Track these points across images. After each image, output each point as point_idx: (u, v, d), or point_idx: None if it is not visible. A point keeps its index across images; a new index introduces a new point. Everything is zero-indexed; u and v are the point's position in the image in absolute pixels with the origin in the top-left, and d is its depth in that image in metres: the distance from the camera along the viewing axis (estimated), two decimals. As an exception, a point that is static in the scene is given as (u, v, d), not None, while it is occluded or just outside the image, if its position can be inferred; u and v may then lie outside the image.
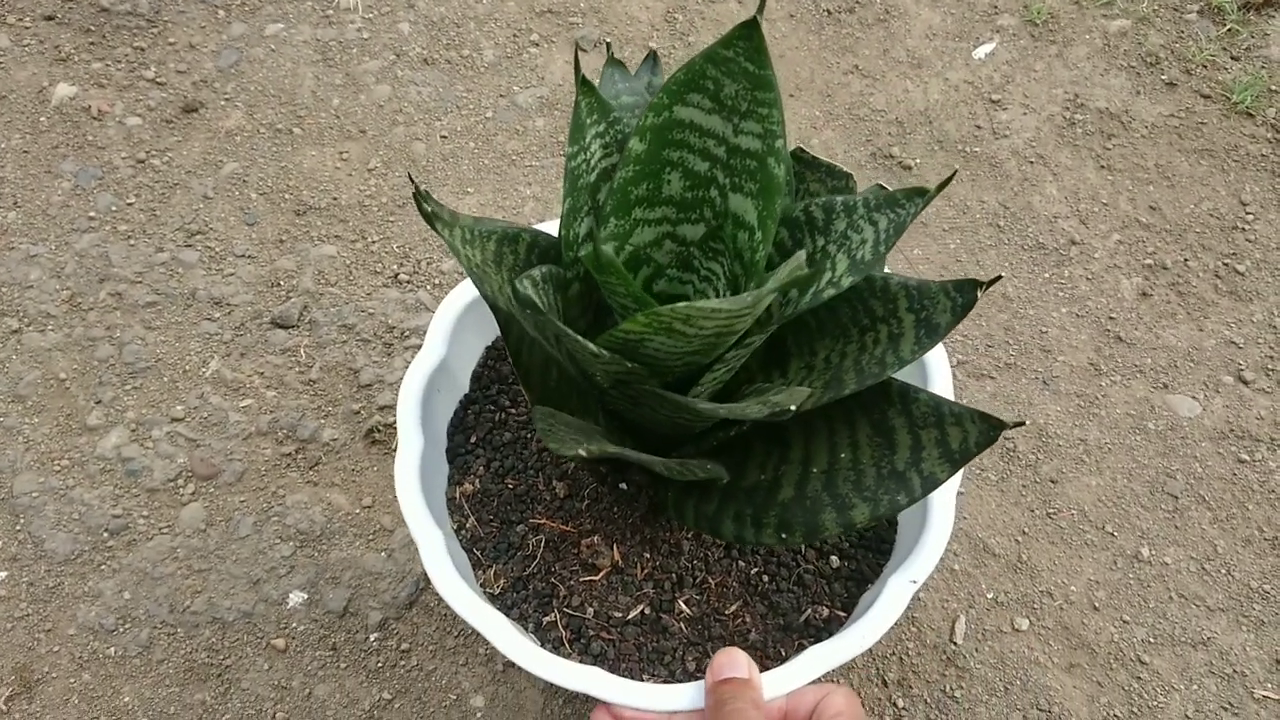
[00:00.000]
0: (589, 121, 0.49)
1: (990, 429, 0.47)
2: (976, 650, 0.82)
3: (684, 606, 0.63)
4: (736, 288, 0.52)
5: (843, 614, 0.63)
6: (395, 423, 0.91)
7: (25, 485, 0.88)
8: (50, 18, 1.16)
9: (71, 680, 0.80)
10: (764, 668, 0.58)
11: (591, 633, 0.61)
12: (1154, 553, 0.87)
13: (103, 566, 0.85)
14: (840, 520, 0.50)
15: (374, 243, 1.02)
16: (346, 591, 0.84)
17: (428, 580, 0.84)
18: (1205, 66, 1.15)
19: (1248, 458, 0.91)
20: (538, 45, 1.16)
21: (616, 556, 0.63)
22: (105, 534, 0.86)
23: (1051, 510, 0.89)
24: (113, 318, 0.96)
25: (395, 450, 0.90)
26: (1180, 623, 0.84)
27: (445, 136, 1.09)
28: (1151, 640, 0.83)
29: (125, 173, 1.05)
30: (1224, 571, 0.86)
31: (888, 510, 0.49)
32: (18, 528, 0.86)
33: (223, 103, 1.11)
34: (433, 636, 0.82)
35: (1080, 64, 1.16)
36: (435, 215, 0.46)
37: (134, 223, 1.02)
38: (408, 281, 0.99)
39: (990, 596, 0.84)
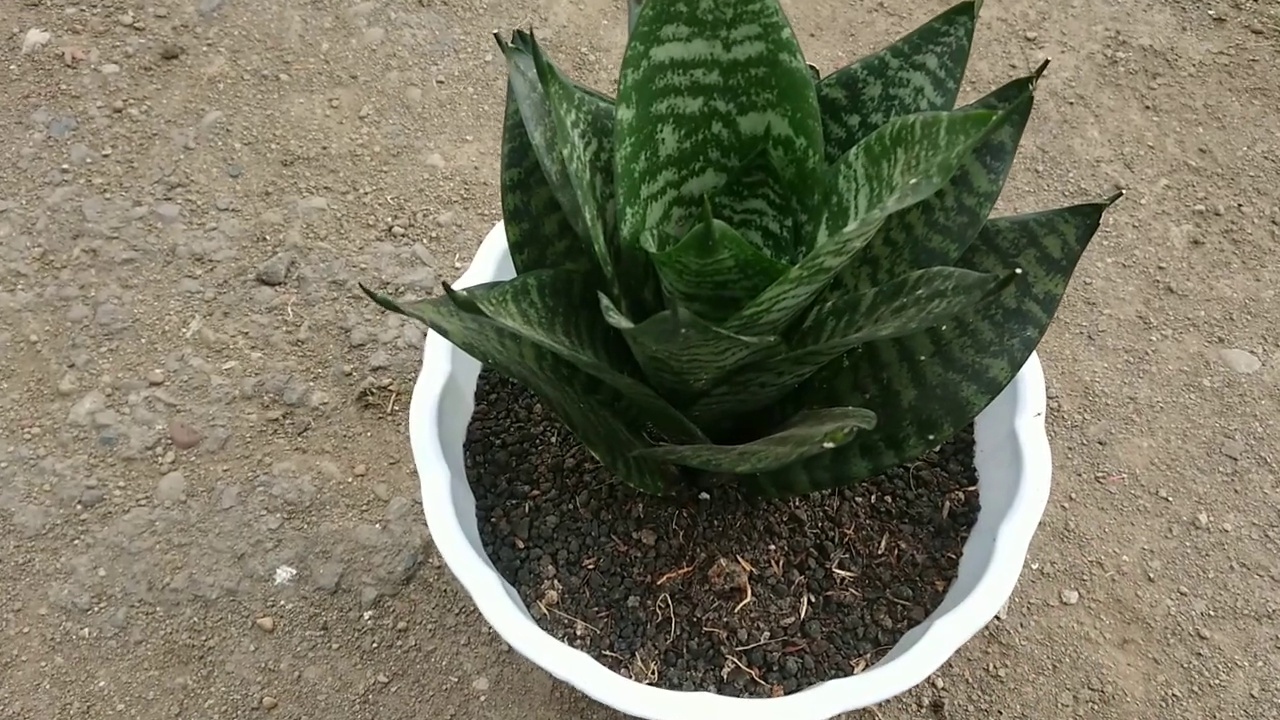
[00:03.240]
0: (563, 112, 0.42)
1: (1087, 217, 0.46)
2: (1022, 625, 0.76)
3: (842, 572, 0.57)
4: (791, 213, 0.45)
5: (973, 488, 0.61)
6: (390, 385, 0.85)
7: (-7, 454, 0.82)
8: (20, -40, 1.09)
9: (43, 664, 0.74)
10: (939, 589, 0.58)
11: (779, 658, 0.55)
12: (1212, 519, 0.80)
13: (76, 541, 0.78)
14: (984, 387, 0.49)
15: (366, 194, 0.95)
16: (338, 566, 0.78)
17: (425, 553, 0.78)
18: (1256, 0, 1.07)
19: (1312, 416, 0.84)
20: (540, -16, 1.09)
21: (747, 567, 0.57)
22: (79, 506, 0.80)
23: (1100, 474, 0.82)
24: (87, 276, 0.90)
25: (390, 419, 0.83)
26: (1242, 594, 0.77)
27: (442, 82, 1.02)
28: (1211, 613, 0.77)
29: (101, 123, 0.98)
30: (1289, 539, 0.79)
31: (1023, 351, 0.48)
32: (-16, 500, 0.80)
33: (205, 48, 1.04)
34: (432, 614, 0.76)
35: None
36: (466, 307, 0.39)
37: (110, 175, 0.95)
38: (402, 235, 0.92)
39: (1035, 567, 0.78)
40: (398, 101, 1.00)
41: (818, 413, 0.49)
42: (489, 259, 0.62)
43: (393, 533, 0.79)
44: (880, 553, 0.59)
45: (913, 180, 0.36)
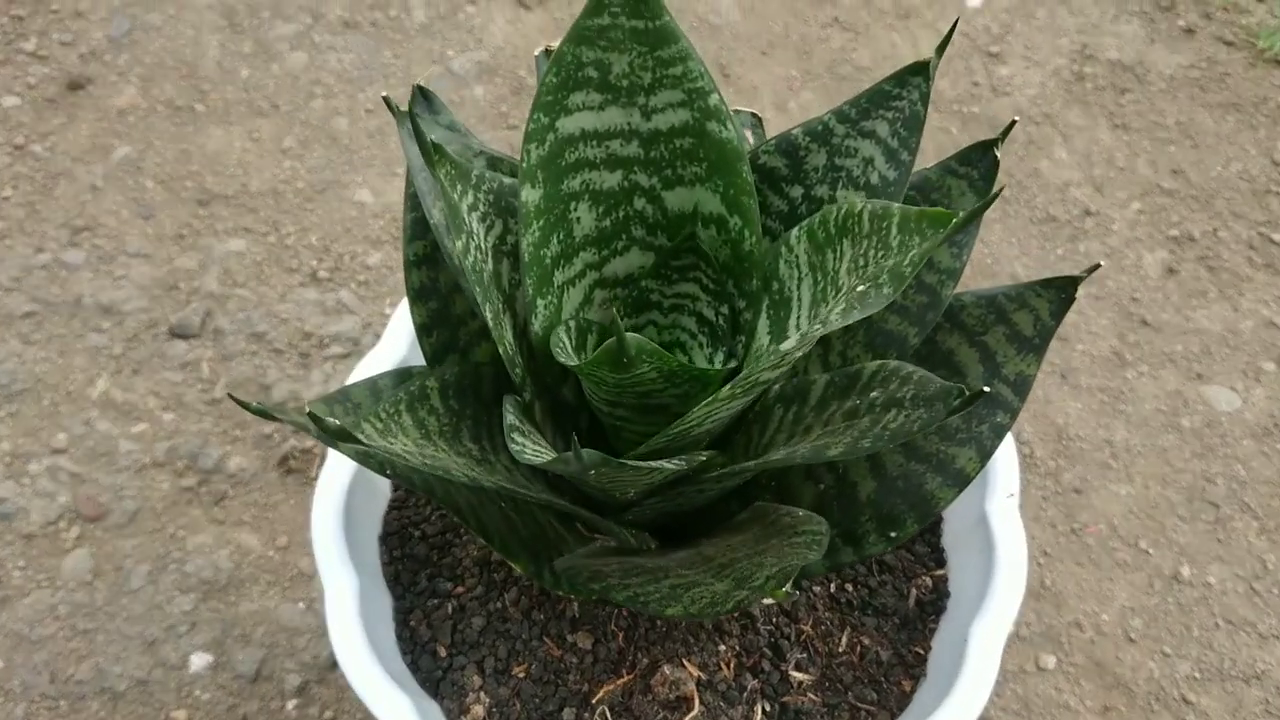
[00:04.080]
0: (458, 197, 0.36)
1: (1062, 291, 0.42)
2: (998, 695, 0.71)
3: (799, 675, 0.52)
4: (728, 299, 0.40)
5: (940, 572, 0.56)
6: (314, 448, 0.79)
7: (-124, 536, 0.75)
8: (-87, -16, 1.01)
9: (-70, 771, 0.67)
10: (905, 690, 0.52)
11: None
12: (1195, 572, 0.76)
13: (-32, 631, 0.72)
14: (951, 479, 0.44)
15: (289, 235, 0.88)
16: (259, 651, 0.71)
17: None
18: (1226, 10, 1.03)
19: (1296, 456, 0.80)
20: (474, 3, 1.02)
21: (695, 672, 0.51)
22: (-29, 591, 0.73)
23: (1076, 525, 0.77)
24: (-17, 332, 0.83)
25: (315, 486, 0.77)
26: (1229, 653, 0.72)
27: (370, 110, 0.95)
28: (1197, 676, 0.72)
29: (1, 161, 0.91)
30: (1276, 592, 0.74)
31: (993, 440, 0.44)
32: None
33: (114, 78, 0.96)
34: (360, 703, 0.69)
35: (1087, 10, 1.03)
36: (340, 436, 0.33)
37: (10, 219, 0.88)
38: (328, 279, 0.86)
39: (1011, 630, 0.73)
40: (323, 132, 0.94)
41: (766, 516, 0.43)
42: (402, 333, 0.56)
43: (318, 613, 0.72)
44: (841, 650, 0.53)
45: (860, 286, 0.31)
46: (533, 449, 0.34)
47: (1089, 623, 0.74)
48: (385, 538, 0.56)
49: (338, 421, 0.33)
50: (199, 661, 0.71)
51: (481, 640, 0.53)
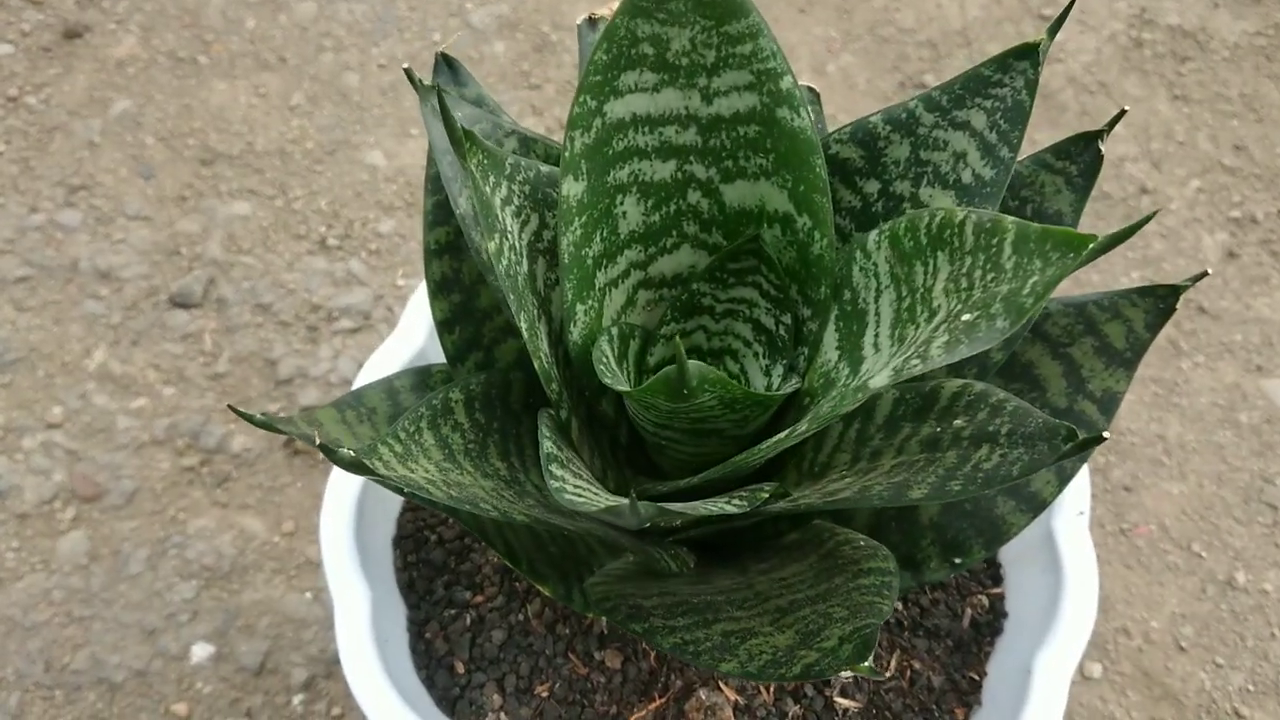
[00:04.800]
0: (491, 190, 0.32)
1: (1161, 300, 0.37)
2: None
3: (844, 701, 0.48)
4: (790, 306, 0.35)
5: (997, 590, 0.51)
6: (322, 428, 0.75)
7: None
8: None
9: (-81, 763, 0.64)
10: (966, 708, 0.48)
11: None
12: (1251, 578, 0.71)
13: (-42, 616, 0.68)
14: (1025, 505, 0.41)
15: (296, 199, 0.83)
16: (263, 643, 0.68)
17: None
18: (1295, -27, 0.96)
19: (1360, 456, 0.75)
20: (495, -48, 0.96)
21: (732, 696, 0.47)
22: (-38, 574, 0.69)
23: (1125, 525, 0.73)
24: (-26, 297, 0.79)
25: (323, 470, 0.73)
26: (1285, 666, 0.69)
27: (383, 65, 0.90)
28: (1251, 688, 0.68)
29: (-7, 114, 0.86)
30: (1337, 601, 0.71)
31: (1075, 462, 0.40)
32: None
33: (113, 26, 0.91)
34: (369, 701, 0.66)
35: (1146, -30, 0.97)
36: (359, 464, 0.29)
37: (3, 176, 0.84)
38: (337, 248, 0.81)
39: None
40: (333, 88, 0.89)
41: (822, 541, 0.39)
42: (419, 321, 0.51)
43: (325, 604, 0.69)
44: (889, 675, 0.50)
45: (966, 315, 0.26)
46: (574, 486, 0.29)
47: (1137, 629, 0.70)
48: (399, 541, 0.52)
49: (351, 452, 0.29)
50: (200, 652, 0.68)
51: (502, 656, 0.50)
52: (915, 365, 0.25)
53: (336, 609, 0.46)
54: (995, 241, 0.26)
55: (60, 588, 0.69)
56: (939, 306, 0.28)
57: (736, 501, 0.30)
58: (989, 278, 0.26)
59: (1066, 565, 0.47)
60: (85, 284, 0.79)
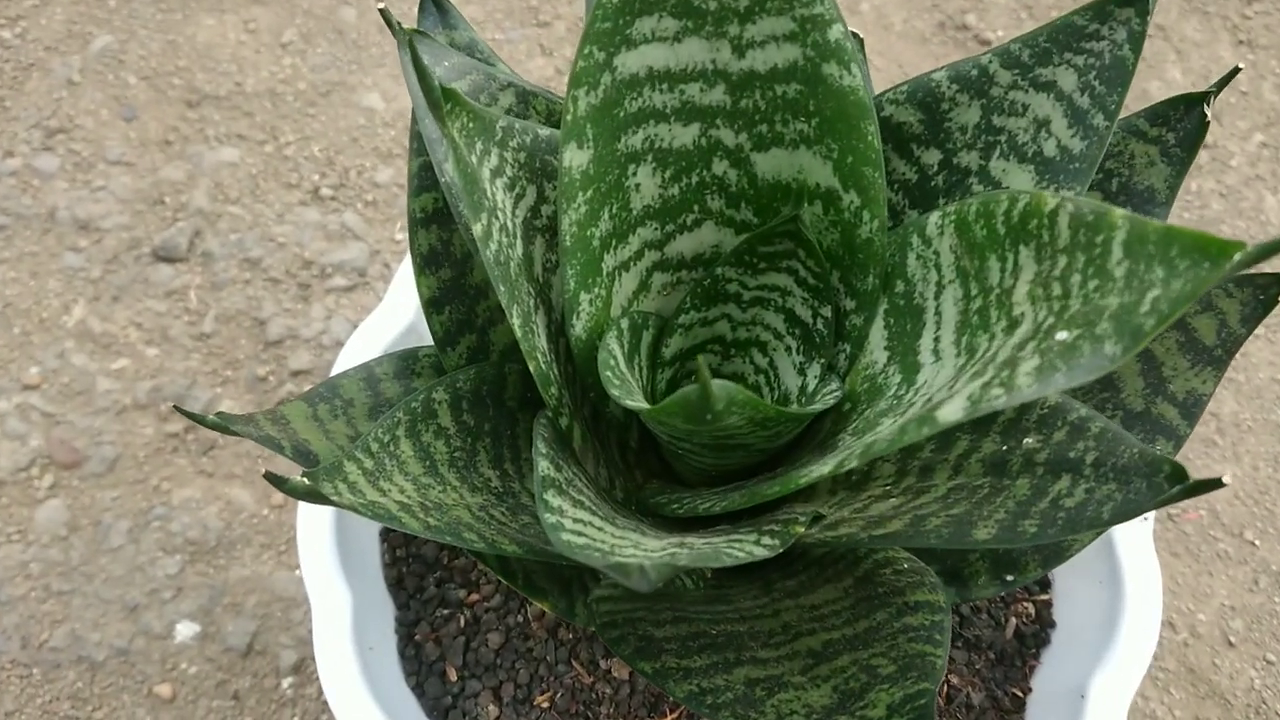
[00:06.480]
0: (478, 159, 0.26)
1: (1261, 290, 0.32)
2: (1076, 703, 0.63)
3: None
4: (830, 297, 0.30)
5: (1044, 597, 0.46)
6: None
7: None
8: None
9: (-110, 743, 0.61)
10: None
11: None
12: (1308, 569, 0.67)
13: (-71, 589, 0.65)
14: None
15: (288, 145, 0.78)
16: (251, 622, 0.64)
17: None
18: (1374, -95, 0.88)
19: None
20: (504, -125, 0.89)
21: None
22: (-66, 544, 0.66)
23: (1174, 510, 0.68)
24: (-55, 248, 0.74)
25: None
26: (1341, 664, 0.64)
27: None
28: (1304, 688, 0.64)
29: (-35, 49, 0.81)
30: (1400, 595, 0.66)
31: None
32: None
33: (93, -47, 0.85)
34: (362, 687, 0.62)
35: (1210, -99, 0.89)
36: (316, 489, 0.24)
37: (-24, 117, 0.78)
38: (331, 198, 0.76)
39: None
40: (328, 25, 0.82)
41: (858, 560, 0.34)
42: (408, 293, 0.46)
43: (316, 582, 0.65)
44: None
45: (1062, 332, 0.21)
46: (574, 522, 0.25)
47: (1183, 623, 0.65)
48: (387, 533, 0.48)
49: (304, 480, 0.24)
50: (185, 631, 0.64)
51: (499, 662, 0.45)
52: (997, 396, 0.20)
53: (314, 611, 0.42)
54: (1100, 240, 0.21)
55: (38, 560, 0.66)
56: (1022, 315, 0.23)
57: (767, 540, 0.25)
58: (1090, 285, 0.21)
59: (1128, 577, 0.42)
60: (63, 235, 0.74)
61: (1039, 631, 0.47)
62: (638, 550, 0.24)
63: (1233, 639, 0.65)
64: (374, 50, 0.82)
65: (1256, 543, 0.67)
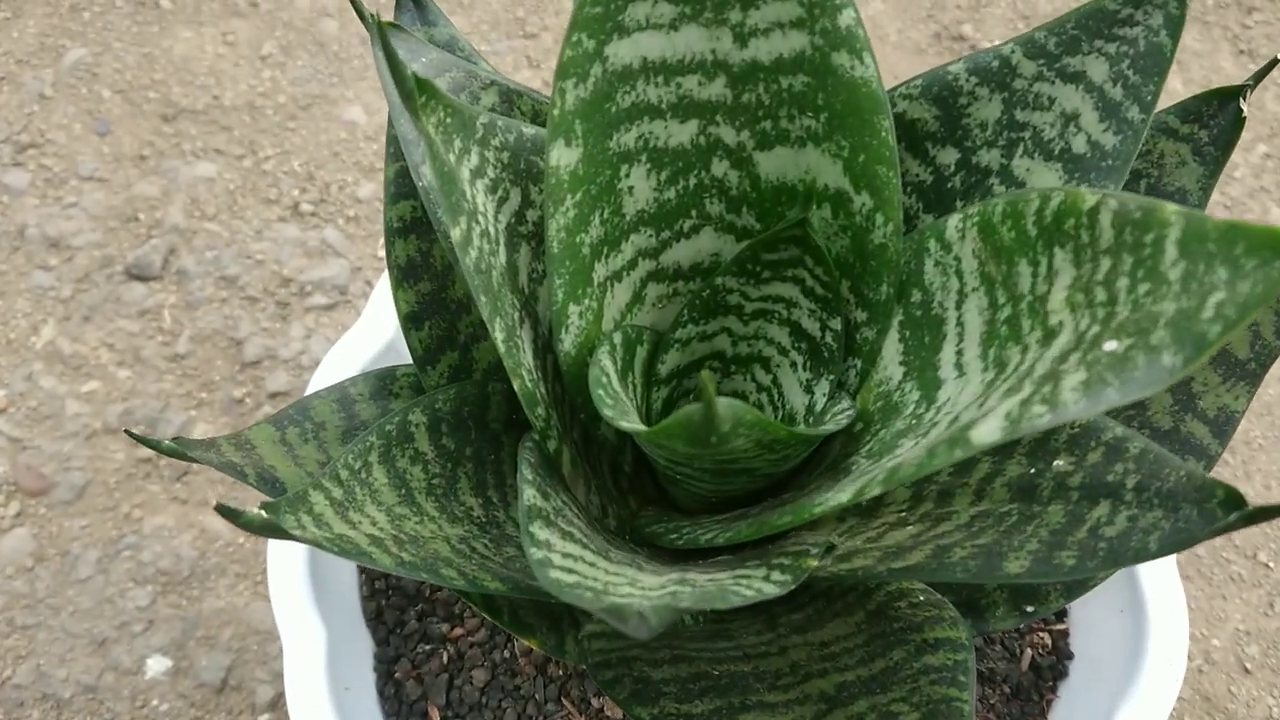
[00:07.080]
0: (456, 158, 0.24)
1: None
2: (1088, 734, 0.60)
3: None
4: (840, 308, 0.27)
5: (1060, 626, 0.44)
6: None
7: None
8: None
9: None
10: None
11: None
12: (1324, 591, 0.64)
13: (-113, 625, 0.61)
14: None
15: (267, 159, 0.75)
16: (225, 656, 0.61)
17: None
18: (1372, -86, 0.87)
19: None
20: (489, -115, 0.87)
21: None
22: (-108, 577, 0.63)
23: (1184, 531, 0.66)
24: (-91, 267, 0.71)
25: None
26: (1362, 691, 0.62)
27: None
28: (1323, 716, 0.61)
29: (-67, 62, 0.78)
30: None
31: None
32: None
33: (67, -35, 0.83)
34: (342, 724, 0.59)
35: (1207, -89, 0.88)
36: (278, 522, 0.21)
37: (-56, 132, 0.76)
38: (311, 214, 0.73)
39: (1106, 657, 0.62)
40: (309, 37, 0.80)
41: (871, 590, 0.32)
42: (389, 308, 0.44)
43: (294, 614, 0.62)
44: None
45: (1111, 343, 0.18)
46: (562, 558, 0.22)
47: (1197, 649, 0.63)
48: (366, 564, 0.45)
49: (261, 513, 0.22)
50: (156, 666, 0.61)
51: (484, 701, 0.43)
52: (1040, 414, 0.18)
53: (285, 648, 0.39)
54: (1150, 239, 0.19)
55: (2, 592, 0.63)
56: (1060, 324, 0.21)
57: (777, 575, 0.23)
58: (1141, 290, 0.19)
59: (1151, 607, 0.40)
60: (33, 253, 0.72)
61: (1056, 664, 0.44)
62: (634, 589, 0.22)
63: (1249, 665, 0.62)
64: (356, 63, 0.79)
65: (1270, 565, 0.65)
